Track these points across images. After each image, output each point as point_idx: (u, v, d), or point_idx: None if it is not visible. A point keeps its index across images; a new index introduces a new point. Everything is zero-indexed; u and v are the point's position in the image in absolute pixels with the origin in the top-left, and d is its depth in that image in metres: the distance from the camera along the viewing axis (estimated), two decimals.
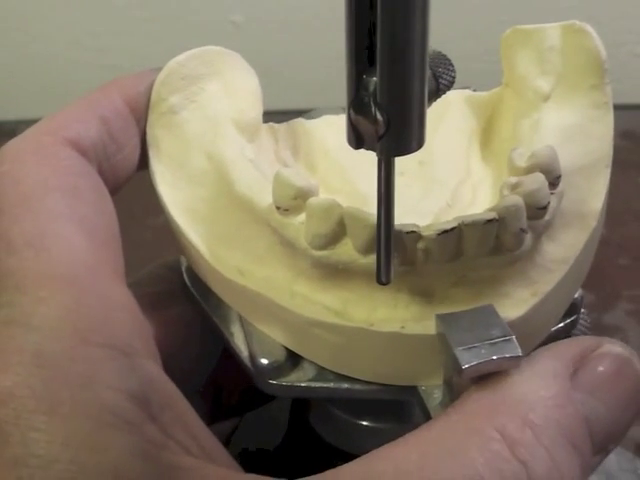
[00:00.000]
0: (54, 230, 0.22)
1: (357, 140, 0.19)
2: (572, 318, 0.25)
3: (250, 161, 0.25)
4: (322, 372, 0.23)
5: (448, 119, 0.29)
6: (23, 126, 0.25)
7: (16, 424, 0.18)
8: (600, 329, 0.49)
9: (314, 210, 0.22)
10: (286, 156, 0.28)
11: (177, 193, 0.26)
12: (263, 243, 0.24)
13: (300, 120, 0.29)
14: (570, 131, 0.26)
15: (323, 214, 0.21)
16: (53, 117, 0.25)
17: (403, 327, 0.22)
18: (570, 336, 0.25)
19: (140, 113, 0.26)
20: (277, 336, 0.24)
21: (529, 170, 0.23)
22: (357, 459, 0.19)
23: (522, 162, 0.23)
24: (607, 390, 0.20)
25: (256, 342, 0.24)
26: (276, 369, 0.23)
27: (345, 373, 0.23)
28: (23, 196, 0.22)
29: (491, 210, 0.21)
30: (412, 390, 0.23)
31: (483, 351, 0.20)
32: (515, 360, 0.20)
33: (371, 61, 0.18)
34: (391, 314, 0.22)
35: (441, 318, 0.21)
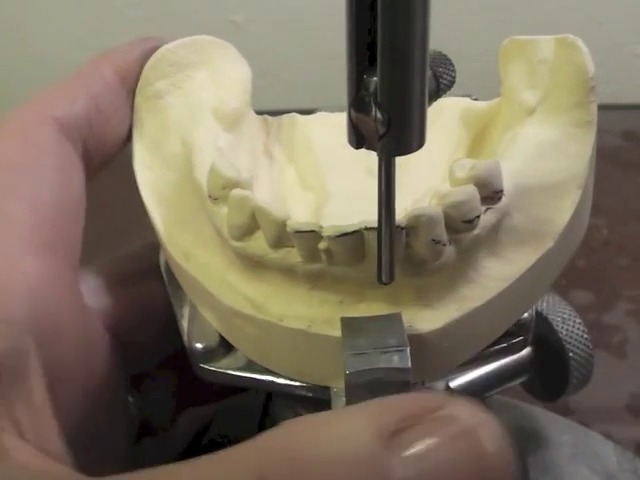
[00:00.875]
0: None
1: (357, 140, 0.19)
2: (518, 339, 0.24)
3: (218, 149, 0.25)
4: (251, 363, 0.24)
5: (438, 126, 0.28)
6: None
7: None
8: (600, 329, 0.49)
9: (231, 201, 0.22)
10: (274, 148, 0.28)
11: (150, 174, 0.26)
12: (208, 230, 0.24)
13: (293, 115, 0.29)
14: (545, 147, 0.25)
15: (237, 206, 0.22)
16: (42, 94, 0.26)
17: (310, 326, 0.21)
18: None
19: (131, 82, 0.27)
20: (212, 322, 0.24)
21: (466, 182, 0.22)
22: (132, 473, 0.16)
23: (461, 173, 0.22)
24: (430, 466, 0.15)
25: (196, 326, 0.24)
26: (208, 353, 0.24)
27: (266, 366, 0.23)
28: None
29: (402, 217, 0.21)
30: (326, 390, 0.22)
31: (372, 359, 0.19)
32: (403, 372, 0.19)
33: (372, 61, 0.18)
34: (304, 311, 0.22)
35: (345, 321, 0.21)
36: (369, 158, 0.28)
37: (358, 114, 0.18)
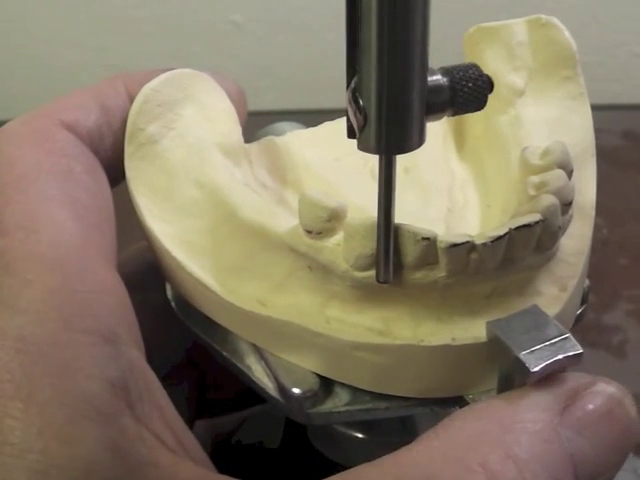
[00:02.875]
0: (44, 212, 0.22)
1: (349, 131, 0.19)
2: (582, 308, 0.25)
3: (246, 185, 0.24)
4: (356, 395, 0.23)
5: None
6: None
7: None
8: (600, 329, 0.49)
9: (356, 230, 0.21)
10: (262, 176, 0.27)
11: (168, 226, 0.25)
12: (282, 270, 0.23)
13: (271, 138, 0.28)
14: (553, 124, 0.26)
15: (367, 234, 0.21)
16: (54, 101, 0.25)
17: (454, 339, 0.21)
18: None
19: None
20: (307, 364, 0.23)
21: (546, 167, 0.23)
22: (331, 477, 0.19)
23: (537, 160, 0.23)
24: (596, 430, 0.19)
25: (284, 373, 0.23)
26: (310, 398, 0.23)
27: (386, 392, 0.23)
28: (16, 177, 0.22)
29: (532, 212, 0.21)
30: (457, 400, 0.22)
31: (546, 352, 0.20)
32: (577, 357, 0.20)
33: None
34: (437, 328, 0.22)
35: (493, 324, 0.21)
36: (369, 164, 0.28)
37: (349, 107, 0.19)
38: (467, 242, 0.20)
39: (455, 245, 0.20)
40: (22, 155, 0.23)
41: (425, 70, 0.18)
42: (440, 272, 0.21)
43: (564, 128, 0.26)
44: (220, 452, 0.32)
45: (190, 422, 0.31)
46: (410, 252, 0.21)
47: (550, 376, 0.20)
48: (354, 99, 0.18)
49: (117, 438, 0.18)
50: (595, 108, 0.27)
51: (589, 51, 0.68)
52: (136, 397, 0.19)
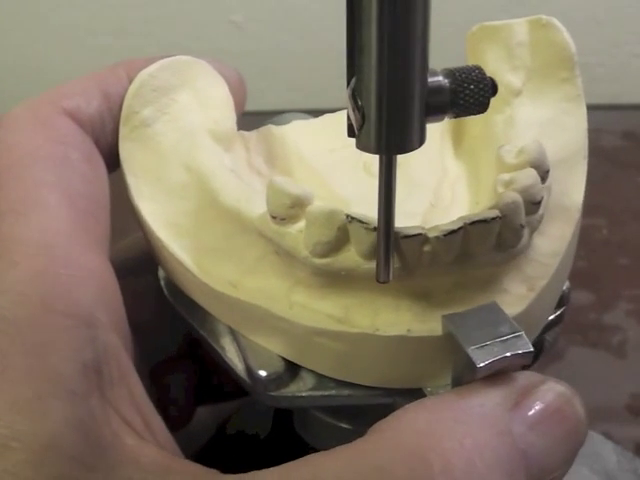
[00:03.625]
0: (36, 197, 0.22)
1: (349, 129, 0.19)
2: (561, 310, 0.26)
3: (231, 171, 0.25)
4: (321, 380, 0.23)
5: None
6: None
7: None
8: (600, 329, 0.49)
9: (316, 217, 0.21)
10: (258, 164, 0.28)
11: (156, 207, 0.25)
12: (254, 253, 0.23)
13: (270, 127, 0.29)
14: (545, 125, 0.26)
15: (325, 221, 0.21)
16: (56, 88, 0.25)
17: (409, 330, 0.21)
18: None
19: None
20: (274, 347, 0.24)
21: (519, 166, 0.23)
22: (283, 465, 0.19)
23: (511, 158, 0.23)
24: (546, 426, 0.20)
25: (252, 354, 0.24)
26: (275, 380, 0.23)
27: (348, 380, 0.23)
28: (13, 163, 0.23)
29: (492, 208, 0.21)
30: (416, 392, 0.22)
31: (495, 349, 0.20)
32: (527, 355, 0.20)
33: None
34: (395, 318, 0.22)
35: (448, 318, 0.21)
36: (363, 158, 0.28)
37: (349, 106, 0.19)
38: (419, 234, 0.20)
39: (407, 237, 0.20)
40: (21, 141, 0.23)
41: (425, 70, 0.18)
42: (394, 263, 0.21)
43: (557, 129, 0.26)
44: (218, 438, 0.32)
45: (191, 408, 0.32)
46: (364, 241, 0.21)
47: (501, 374, 0.20)
48: (353, 99, 0.18)
49: (84, 418, 0.19)
50: (595, 108, 0.27)
51: (589, 51, 0.68)
52: (108, 380, 0.20)
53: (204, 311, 0.25)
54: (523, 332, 0.20)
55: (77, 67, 0.72)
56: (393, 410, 0.26)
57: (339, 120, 0.28)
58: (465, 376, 0.20)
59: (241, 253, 0.24)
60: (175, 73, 0.26)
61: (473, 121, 0.28)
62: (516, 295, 0.22)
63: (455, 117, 0.20)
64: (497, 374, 0.20)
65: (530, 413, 0.20)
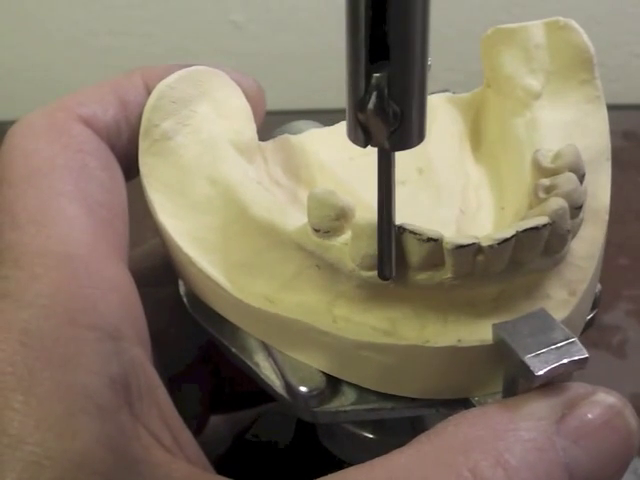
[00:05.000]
0: (56, 207, 0.22)
1: (365, 138, 0.18)
2: (594, 312, 0.25)
3: (258, 183, 0.24)
4: (363, 394, 0.23)
5: (438, 123, 0.28)
6: None
7: None
8: (600, 329, 0.49)
9: (363, 230, 0.21)
10: (277, 174, 0.27)
11: (180, 223, 0.25)
12: (291, 268, 0.23)
13: (287, 136, 0.28)
14: (568, 127, 0.26)
15: (374, 233, 0.20)
16: (73, 95, 0.25)
17: (459, 340, 0.21)
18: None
19: None
20: (315, 362, 0.23)
21: (557, 170, 0.23)
22: (322, 478, 0.19)
23: (548, 163, 0.23)
24: (593, 440, 0.19)
25: (291, 370, 0.23)
26: (317, 396, 0.23)
27: (392, 392, 0.23)
28: (30, 171, 0.22)
29: (540, 214, 0.21)
30: (460, 401, 0.22)
31: (552, 356, 0.19)
32: (583, 362, 0.20)
33: (375, 58, 0.17)
34: (443, 329, 0.22)
35: (499, 327, 0.21)
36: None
37: (365, 111, 0.18)
38: (473, 244, 0.20)
39: (461, 247, 0.20)
40: (37, 149, 0.23)
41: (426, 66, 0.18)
42: (446, 273, 0.21)
43: (579, 131, 0.26)
44: (236, 448, 0.32)
45: (205, 417, 0.31)
46: (416, 253, 0.20)
47: (550, 384, 0.20)
48: (387, 99, 0.18)
49: (113, 434, 0.18)
50: None
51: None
52: (136, 395, 0.19)
53: (233, 327, 0.25)
54: (576, 338, 0.20)
55: (77, 67, 0.72)
56: (424, 420, 0.26)
57: None
58: (521, 385, 0.20)
59: (276, 267, 0.23)
60: (194, 84, 0.26)
61: (491, 125, 0.28)
62: (559, 300, 0.22)
63: None
64: (548, 384, 0.20)
65: (576, 426, 0.19)
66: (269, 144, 0.28)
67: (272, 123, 0.30)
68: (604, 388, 0.20)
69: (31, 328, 0.19)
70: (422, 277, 0.21)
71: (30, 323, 0.19)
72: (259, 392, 0.28)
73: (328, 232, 0.21)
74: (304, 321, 0.22)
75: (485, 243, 0.20)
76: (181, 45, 0.71)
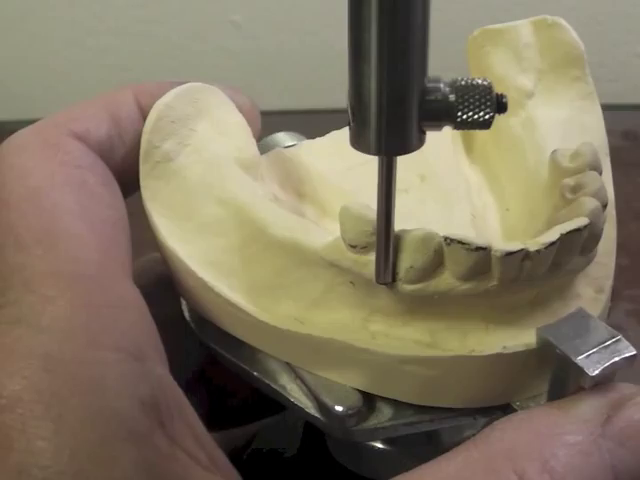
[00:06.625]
0: (61, 226, 0.21)
1: (349, 128, 0.19)
2: (610, 305, 0.25)
3: (272, 201, 0.24)
4: (399, 409, 0.23)
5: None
6: (23, 126, 0.25)
7: (22, 430, 0.17)
8: None
9: (408, 243, 0.20)
10: (274, 190, 0.27)
11: (190, 247, 0.24)
12: (320, 286, 0.22)
13: (280, 150, 0.28)
14: (565, 125, 0.26)
15: (420, 246, 0.20)
16: (63, 111, 0.24)
17: (505, 347, 0.21)
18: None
19: None
20: (350, 380, 0.23)
21: (578, 170, 0.22)
22: None
23: (568, 162, 0.23)
24: (638, 442, 0.19)
25: (324, 391, 0.23)
26: (354, 415, 0.22)
27: (432, 404, 0.22)
28: (30, 190, 0.22)
29: (577, 215, 0.21)
30: (502, 408, 0.22)
31: (602, 356, 0.20)
32: (632, 359, 0.20)
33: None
34: (485, 337, 0.21)
35: (544, 330, 0.21)
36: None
37: (352, 115, 0.19)
38: (522, 250, 0.20)
39: (510, 253, 0.20)
40: (34, 167, 0.22)
41: (423, 76, 0.18)
42: (492, 281, 0.20)
43: (577, 128, 0.26)
44: (235, 464, 0.32)
45: None
46: (463, 262, 0.20)
47: (595, 386, 0.20)
48: (348, 98, 0.18)
49: (151, 458, 0.18)
50: None
51: (589, 51, 0.68)
52: (167, 415, 0.19)
53: (251, 350, 0.24)
54: (621, 335, 0.20)
55: (77, 67, 0.72)
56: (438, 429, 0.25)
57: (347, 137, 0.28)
58: (571, 386, 0.20)
59: (302, 287, 0.23)
60: (190, 102, 0.25)
61: None
62: (588, 298, 0.23)
63: (454, 128, 0.19)
64: (596, 385, 0.20)
65: (622, 427, 0.19)
66: (263, 159, 0.27)
67: (272, 123, 0.30)
68: None
69: (52, 353, 0.18)
70: (467, 287, 0.20)
71: (51, 348, 0.18)
72: (251, 409, 0.27)
73: (365, 247, 0.21)
74: (339, 339, 0.22)
75: (533, 248, 0.20)
76: (181, 45, 0.70)
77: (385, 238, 0.20)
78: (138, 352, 0.19)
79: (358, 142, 0.19)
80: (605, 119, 0.28)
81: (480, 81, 0.19)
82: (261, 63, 0.70)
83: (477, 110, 0.19)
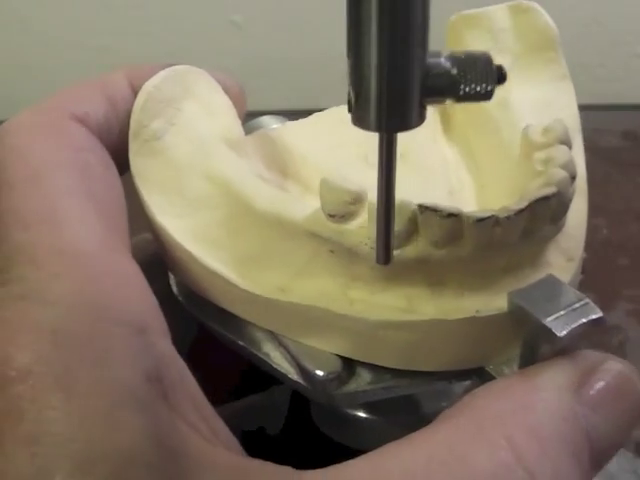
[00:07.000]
0: (65, 206, 0.22)
1: (349, 107, 0.19)
2: (580, 278, 0.26)
3: (257, 177, 0.25)
4: (378, 374, 0.23)
5: None
6: None
7: (33, 401, 0.18)
8: (600, 329, 0.49)
9: None
10: (259, 169, 0.27)
11: (179, 221, 0.25)
12: (302, 256, 0.23)
13: (264, 131, 0.29)
14: (540, 104, 0.27)
15: (396, 213, 0.21)
16: (61, 94, 0.25)
17: (478, 311, 0.22)
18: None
19: None
20: (330, 347, 0.23)
21: (549, 144, 0.23)
22: (364, 455, 0.19)
23: (540, 137, 0.24)
24: (608, 406, 0.20)
25: (306, 357, 0.24)
26: (334, 380, 0.23)
27: (410, 368, 0.23)
28: (32, 171, 0.22)
29: (547, 185, 0.22)
30: (476, 372, 0.23)
31: (570, 318, 0.20)
32: (599, 321, 0.20)
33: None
34: (459, 302, 0.22)
35: (515, 295, 0.21)
36: (363, 150, 0.28)
37: (353, 91, 0.19)
38: (492, 216, 0.21)
39: (481, 219, 0.21)
40: (36, 149, 0.23)
41: (425, 50, 0.18)
42: (465, 247, 0.21)
43: (551, 108, 0.27)
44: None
45: None
46: (436, 229, 0.21)
47: (564, 353, 0.21)
48: (349, 77, 0.18)
49: (155, 427, 0.18)
50: (595, 108, 0.27)
51: (589, 51, 0.68)
52: (170, 387, 0.19)
53: (238, 320, 0.25)
54: (589, 299, 0.21)
55: (77, 67, 0.72)
56: (416, 397, 0.26)
57: (330, 118, 0.28)
58: (542, 348, 0.21)
59: (286, 257, 0.24)
60: (178, 83, 0.26)
61: (458, 107, 0.29)
62: (559, 266, 0.23)
63: (457, 102, 0.20)
64: (565, 350, 0.21)
65: (592, 394, 0.20)
66: (248, 139, 0.28)
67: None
68: (612, 355, 0.21)
69: (60, 328, 0.19)
70: (442, 253, 0.21)
71: (58, 323, 0.19)
72: (235, 390, 0.28)
73: (344, 217, 0.22)
74: (320, 306, 0.23)
75: (502, 215, 0.21)
76: (181, 45, 0.71)
77: (385, 218, 0.20)
78: (142, 325, 0.20)
79: (358, 119, 0.19)
80: (605, 119, 0.28)
81: (479, 53, 0.19)
82: (261, 63, 0.70)
83: (480, 82, 0.19)
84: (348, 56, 0.18)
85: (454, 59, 0.19)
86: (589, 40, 0.68)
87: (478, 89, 0.19)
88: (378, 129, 0.19)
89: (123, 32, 0.71)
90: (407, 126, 0.19)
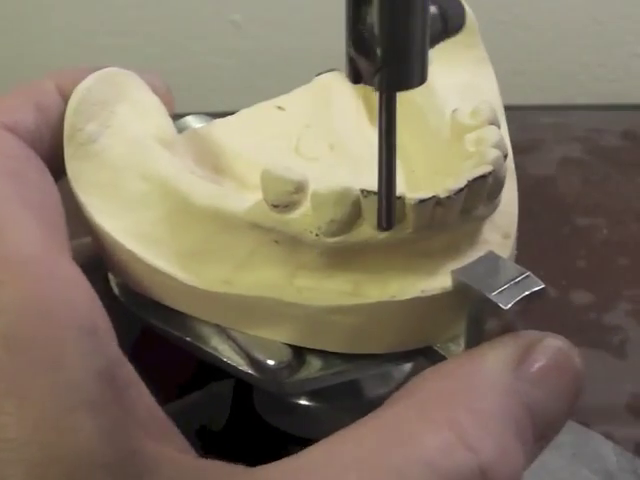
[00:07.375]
0: (3, 213, 0.22)
1: (355, 76, 0.19)
2: (515, 254, 0.27)
3: (192, 172, 0.25)
4: (328, 360, 0.24)
5: (336, 100, 0.30)
6: None
7: None
8: (600, 329, 0.49)
9: (326, 198, 0.21)
10: (189, 167, 0.28)
11: (118, 221, 0.25)
12: (244, 248, 0.23)
13: (193, 129, 0.29)
14: (463, 89, 0.28)
15: (338, 200, 0.21)
16: None
17: (423, 290, 0.22)
18: None
19: None
20: (279, 336, 0.24)
21: (478, 126, 0.24)
22: (316, 445, 0.20)
23: (469, 120, 0.24)
24: (548, 382, 0.21)
25: (255, 348, 0.24)
26: (285, 368, 0.23)
27: (359, 351, 0.24)
28: None
29: (481, 164, 0.22)
30: (423, 351, 0.23)
31: (513, 291, 0.21)
32: (542, 292, 0.21)
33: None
34: (405, 283, 0.23)
35: (458, 272, 0.22)
36: (293, 144, 0.28)
37: (355, 50, 0.19)
38: (433, 196, 0.21)
39: (423, 201, 0.21)
40: None
41: (428, 4, 0.19)
42: (407, 229, 0.22)
43: (473, 91, 0.28)
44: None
45: None
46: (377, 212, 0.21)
47: (505, 334, 0.21)
48: (372, 37, 0.18)
49: (109, 428, 0.18)
50: (595, 108, 0.27)
51: (589, 51, 0.68)
52: (122, 387, 0.20)
53: (183, 317, 0.25)
54: (530, 272, 0.21)
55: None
56: (359, 381, 0.27)
57: (257, 114, 0.29)
58: (487, 323, 0.21)
59: (228, 250, 0.24)
60: (110, 85, 0.26)
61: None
62: (496, 243, 0.24)
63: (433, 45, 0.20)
64: (506, 329, 0.21)
65: (532, 370, 0.21)
66: (179, 138, 0.28)
67: None
68: (551, 333, 0.22)
69: (10, 333, 0.19)
70: (385, 235, 0.22)
71: (8, 329, 0.19)
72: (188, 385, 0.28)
73: (287, 206, 0.22)
74: (267, 296, 0.23)
75: (443, 195, 0.21)
76: (181, 45, 0.71)
77: (387, 182, 0.21)
78: (91, 327, 0.20)
79: (359, 77, 0.19)
80: (605, 119, 0.28)
81: None
82: (261, 63, 0.70)
83: (458, 19, 0.20)
84: (347, 13, 0.18)
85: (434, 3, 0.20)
86: (589, 40, 0.68)
87: (457, 26, 0.20)
88: (379, 88, 0.19)
89: (123, 32, 0.71)
90: (409, 85, 0.19)
